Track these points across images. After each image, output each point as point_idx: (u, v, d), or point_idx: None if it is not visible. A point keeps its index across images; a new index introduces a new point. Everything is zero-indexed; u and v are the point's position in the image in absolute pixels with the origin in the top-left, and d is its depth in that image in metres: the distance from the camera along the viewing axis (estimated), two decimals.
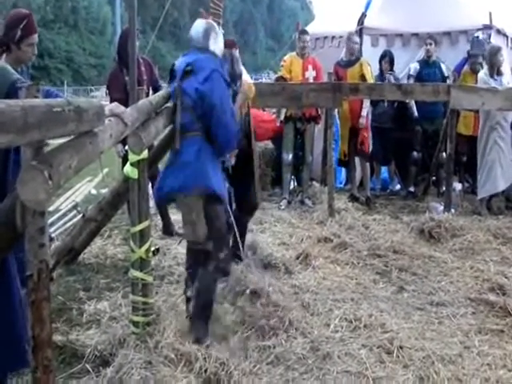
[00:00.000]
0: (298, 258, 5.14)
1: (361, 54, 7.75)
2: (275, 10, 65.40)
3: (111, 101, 5.60)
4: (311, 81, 7.19)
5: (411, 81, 7.47)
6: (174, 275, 4.78)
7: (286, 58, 7.51)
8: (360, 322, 3.89)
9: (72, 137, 2.24)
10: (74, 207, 6.47)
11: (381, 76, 7.67)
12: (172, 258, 5.17)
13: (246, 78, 4.69)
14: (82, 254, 5.03)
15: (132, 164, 3.45)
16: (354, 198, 7.39)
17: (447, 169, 6.80)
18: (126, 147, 3.55)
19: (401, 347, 3.54)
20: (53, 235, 5.50)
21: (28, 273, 2.03)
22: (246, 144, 4.62)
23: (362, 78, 7.27)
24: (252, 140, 4.76)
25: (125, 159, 4.55)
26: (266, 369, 3.32)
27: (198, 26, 3.88)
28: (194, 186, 3.57)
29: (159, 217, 6.03)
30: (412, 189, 7.85)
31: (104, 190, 6.72)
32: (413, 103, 7.54)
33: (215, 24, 4.02)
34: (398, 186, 8.30)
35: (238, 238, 4.33)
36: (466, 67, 7.36)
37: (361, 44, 8.01)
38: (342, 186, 8.31)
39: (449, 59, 7.77)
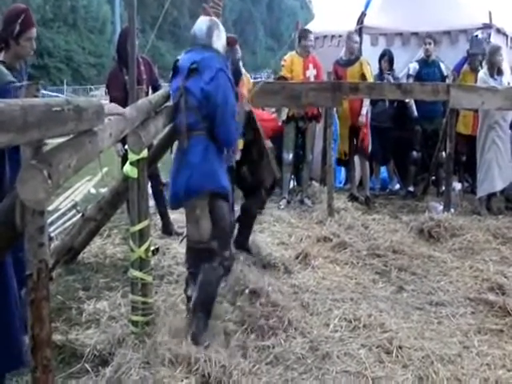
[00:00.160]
0: (297, 258, 5.13)
1: (360, 53, 7.75)
2: (275, 9, 65.38)
3: (111, 100, 5.60)
4: (312, 80, 7.18)
5: (410, 80, 7.47)
6: (173, 275, 4.77)
7: (286, 57, 7.48)
8: (359, 322, 3.88)
9: (71, 136, 2.24)
10: (74, 206, 6.46)
11: (380, 75, 7.67)
12: (171, 258, 5.16)
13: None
14: (82, 253, 5.03)
15: (131, 163, 3.45)
16: (353, 198, 7.39)
17: (447, 168, 6.80)
18: (126, 146, 3.55)
19: (400, 347, 3.54)
20: (52, 234, 5.50)
21: (27, 272, 2.02)
22: (252, 134, 4.77)
23: (363, 77, 7.26)
24: (256, 126, 4.85)
25: (124, 158, 4.55)
26: (265, 369, 3.32)
27: (202, 23, 3.87)
28: (205, 187, 3.61)
29: (158, 216, 6.04)
30: (411, 188, 7.85)
31: (103, 190, 6.71)
32: (412, 103, 7.54)
33: (218, 21, 4.02)
34: (398, 186, 8.30)
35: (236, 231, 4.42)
36: (466, 66, 7.36)
37: (360, 43, 8.01)
38: (341, 185, 8.32)
39: (448, 58, 7.77)
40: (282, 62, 7.44)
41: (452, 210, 6.56)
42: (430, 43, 7.58)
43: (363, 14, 8.48)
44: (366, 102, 7.30)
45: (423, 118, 7.58)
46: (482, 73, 6.87)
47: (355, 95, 6.86)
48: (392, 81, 7.44)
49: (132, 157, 3.41)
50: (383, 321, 3.91)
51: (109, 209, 4.70)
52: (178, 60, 3.83)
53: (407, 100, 7.48)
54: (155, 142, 4.26)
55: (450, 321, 4.04)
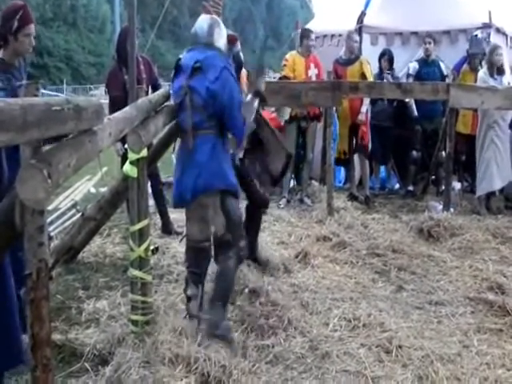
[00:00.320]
0: (296, 257, 5.13)
1: (360, 52, 7.75)
2: (274, 8, 65.30)
3: (110, 99, 5.61)
4: (314, 79, 7.17)
5: (410, 80, 7.47)
6: (173, 274, 4.77)
7: (287, 56, 7.44)
8: (359, 322, 3.88)
9: (71, 135, 2.24)
10: (73, 206, 6.46)
11: (380, 75, 7.67)
12: (171, 257, 5.16)
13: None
14: (81, 252, 5.03)
15: (131, 162, 3.45)
16: (353, 197, 7.39)
17: (446, 168, 6.80)
18: (126, 145, 3.55)
19: (400, 346, 3.54)
20: (52, 234, 5.50)
21: (27, 271, 2.02)
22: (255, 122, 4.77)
23: (363, 76, 7.26)
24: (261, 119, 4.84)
25: (124, 158, 4.55)
26: (264, 368, 3.32)
27: (203, 21, 3.87)
28: (214, 185, 3.65)
29: (158, 215, 6.04)
30: (411, 188, 7.86)
31: (103, 189, 6.71)
32: (412, 102, 7.54)
33: (219, 19, 4.01)
34: (397, 186, 8.30)
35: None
36: (466, 66, 7.36)
37: (360, 42, 8.01)
38: (341, 184, 8.31)
39: (448, 58, 7.77)
40: (284, 62, 7.39)
41: (451, 210, 6.56)
42: (429, 42, 7.58)
43: (363, 14, 8.48)
44: (366, 101, 7.30)
45: (423, 118, 7.57)
46: (482, 72, 6.87)
47: (355, 94, 6.85)
48: (391, 80, 7.44)
49: (132, 156, 3.41)
50: (383, 320, 3.91)
51: (108, 208, 4.70)
52: (180, 59, 3.82)
53: (407, 99, 7.47)
54: (155, 141, 4.26)
55: (450, 320, 4.04)
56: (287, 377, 3.26)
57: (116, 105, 4.94)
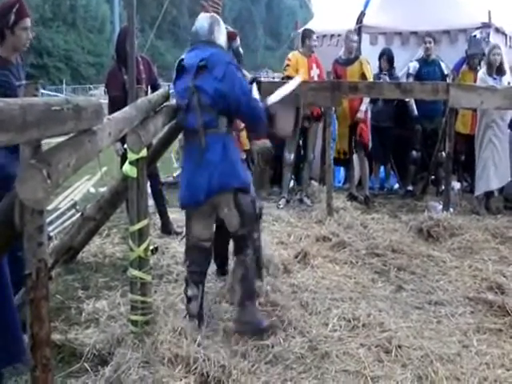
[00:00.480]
0: (296, 257, 5.13)
1: (360, 52, 7.75)
2: (274, 8, 65.34)
3: (110, 99, 5.61)
4: (316, 79, 7.17)
5: (411, 79, 7.47)
6: (172, 274, 4.77)
7: (290, 56, 7.42)
8: (358, 322, 3.88)
9: (71, 135, 2.24)
10: (73, 206, 6.46)
11: (378, 75, 7.66)
12: (170, 257, 5.16)
13: None
14: (81, 252, 5.03)
15: (131, 163, 3.45)
16: (352, 197, 7.39)
17: (446, 168, 6.79)
18: (125, 145, 3.55)
19: (399, 346, 3.54)
20: (51, 234, 5.50)
21: (27, 271, 2.02)
22: None
23: (363, 76, 7.26)
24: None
25: (124, 158, 4.54)
26: (264, 368, 3.32)
27: (203, 20, 3.87)
28: (229, 184, 3.68)
29: (158, 215, 6.04)
30: (411, 188, 7.86)
31: (103, 189, 6.71)
32: (413, 101, 7.54)
33: (218, 17, 4.02)
34: (397, 185, 8.30)
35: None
36: (465, 66, 7.37)
37: (360, 42, 8.01)
38: (340, 184, 8.32)
39: (448, 58, 7.76)
40: (287, 62, 7.37)
41: (451, 210, 6.56)
42: (430, 42, 7.57)
43: (362, 14, 8.48)
44: (366, 99, 7.30)
45: (424, 117, 7.56)
46: (481, 72, 6.87)
47: (354, 95, 6.85)
48: (388, 80, 7.43)
49: (131, 156, 3.41)
50: (382, 320, 3.91)
51: (108, 208, 4.70)
52: (182, 60, 3.81)
53: (407, 99, 7.47)
54: (154, 141, 4.26)
55: (449, 320, 4.04)
56: (287, 377, 3.26)
57: (115, 105, 4.94)
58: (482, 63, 7.09)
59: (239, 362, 3.28)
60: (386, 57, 7.70)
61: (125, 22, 5.98)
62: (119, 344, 3.39)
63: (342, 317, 3.97)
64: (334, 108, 7.00)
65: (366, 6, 8.64)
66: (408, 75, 7.64)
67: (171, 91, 4.26)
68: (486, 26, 7.97)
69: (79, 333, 3.70)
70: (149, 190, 4.87)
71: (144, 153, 3.46)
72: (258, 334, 3.63)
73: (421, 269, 5.06)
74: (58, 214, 6.32)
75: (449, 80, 7.15)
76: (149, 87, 5.58)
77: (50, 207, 6.46)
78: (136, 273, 3.56)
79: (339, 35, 8.38)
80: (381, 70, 7.71)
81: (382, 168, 8.29)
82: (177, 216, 6.10)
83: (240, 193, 3.73)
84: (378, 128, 7.69)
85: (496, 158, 6.77)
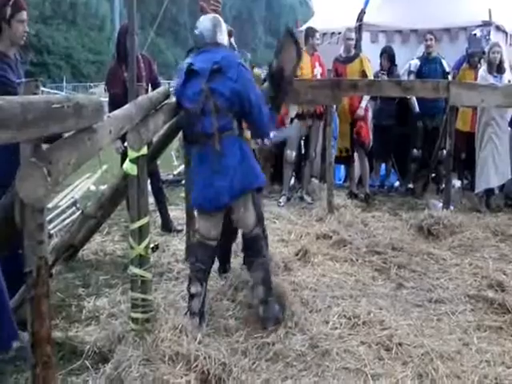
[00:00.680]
0: (296, 255, 5.13)
1: (360, 50, 7.74)
2: (274, 6, 65.26)
3: (110, 97, 5.60)
4: (319, 77, 7.17)
5: (412, 77, 7.46)
6: (173, 272, 4.78)
7: None
8: (359, 319, 3.88)
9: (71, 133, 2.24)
10: (73, 204, 6.46)
11: (378, 73, 7.65)
12: (171, 255, 5.17)
13: None
14: (81, 250, 5.03)
15: (131, 160, 3.44)
16: (353, 195, 7.40)
17: (446, 166, 6.79)
18: (125, 144, 3.55)
19: (399, 344, 3.54)
20: (52, 232, 5.50)
21: (27, 269, 2.03)
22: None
23: (363, 74, 7.25)
24: None
25: (124, 156, 4.55)
26: (265, 365, 3.33)
27: (206, 22, 3.87)
28: (252, 185, 3.77)
29: (158, 213, 6.04)
30: (411, 185, 7.85)
31: (103, 187, 6.71)
32: (414, 99, 7.53)
33: (219, 17, 4.01)
34: (397, 183, 8.30)
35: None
36: (465, 64, 7.36)
37: (360, 40, 8.00)
38: (341, 182, 8.31)
39: (448, 56, 7.76)
40: None
41: (451, 208, 6.56)
42: (431, 39, 7.56)
43: (362, 12, 8.47)
44: (366, 97, 7.29)
45: (425, 115, 7.56)
46: (482, 70, 6.87)
47: (355, 92, 6.84)
48: (385, 79, 7.41)
49: (132, 154, 3.40)
50: (383, 318, 3.91)
51: (108, 206, 4.70)
52: (191, 64, 3.77)
53: (408, 97, 7.46)
54: (155, 139, 4.26)
55: (450, 318, 4.04)
56: (287, 374, 3.27)
57: (116, 103, 4.93)
58: (483, 61, 7.08)
59: (240, 359, 3.28)
60: (387, 55, 7.69)
61: (125, 20, 5.97)
62: (120, 342, 3.39)
63: (343, 314, 3.97)
64: (335, 106, 7.00)
65: (366, 4, 8.63)
66: (409, 72, 7.62)
67: (171, 89, 4.26)
68: (486, 24, 7.97)
69: (80, 330, 3.71)
70: (149, 188, 4.87)
71: (144, 151, 3.46)
72: (278, 324, 3.75)
73: (421, 267, 5.06)
74: (58, 211, 6.33)
75: (450, 77, 7.14)
76: (149, 85, 5.57)
77: (50, 205, 6.46)
78: (136, 270, 3.55)
79: (339, 33, 8.39)
80: (382, 68, 7.69)
81: (382, 166, 8.29)
82: (177, 214, 6.10)
83: (256, 192, 3.81)
84: (379, 126, 7.68)
85: (496, 155, 6.77)
